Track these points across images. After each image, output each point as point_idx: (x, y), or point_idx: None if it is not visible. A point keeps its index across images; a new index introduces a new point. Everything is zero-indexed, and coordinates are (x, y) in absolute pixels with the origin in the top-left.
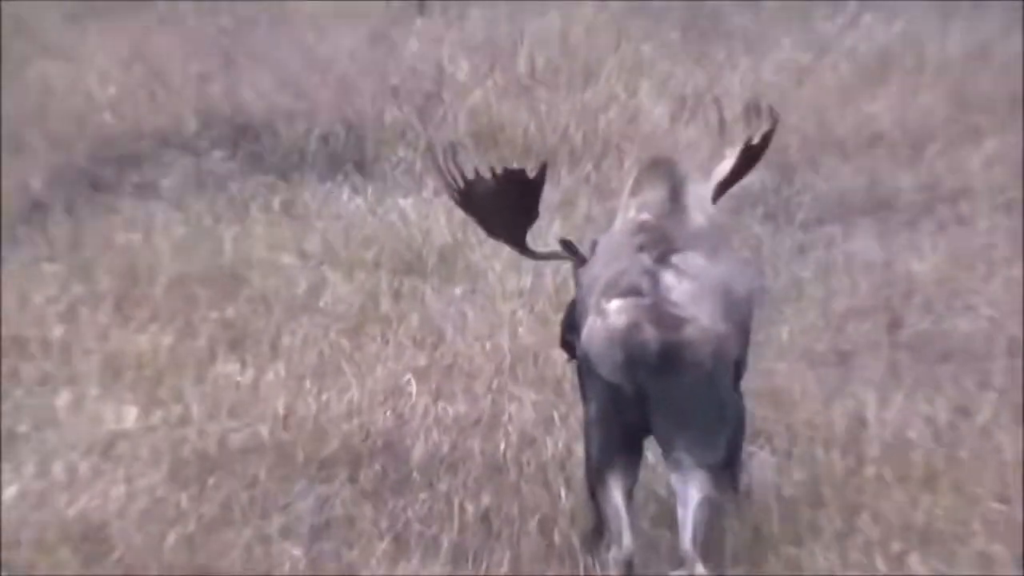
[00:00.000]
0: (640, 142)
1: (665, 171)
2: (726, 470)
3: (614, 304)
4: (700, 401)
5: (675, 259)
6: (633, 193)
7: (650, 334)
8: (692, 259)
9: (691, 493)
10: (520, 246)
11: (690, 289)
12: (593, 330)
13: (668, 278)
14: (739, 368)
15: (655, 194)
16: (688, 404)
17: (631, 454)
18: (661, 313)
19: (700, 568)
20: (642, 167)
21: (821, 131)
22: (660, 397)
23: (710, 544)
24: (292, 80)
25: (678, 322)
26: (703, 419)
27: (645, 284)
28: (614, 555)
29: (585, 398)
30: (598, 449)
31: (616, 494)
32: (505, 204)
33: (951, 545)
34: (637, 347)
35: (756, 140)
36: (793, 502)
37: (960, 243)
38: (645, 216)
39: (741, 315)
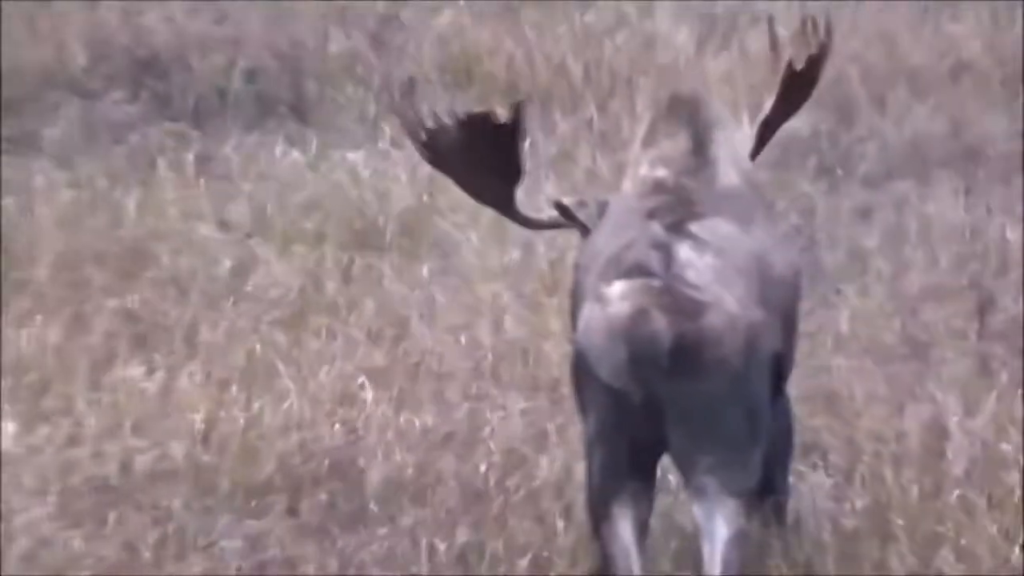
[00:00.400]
0: (657, 76)
1: (687, 113)
2: (766, 497)
3: (616, 287)
4: (727, 410)
5: (694, 227)
6: (647, 143)
7: (661, 324)
8: (717, 227)
9: (718, 527)
10: (508, 211)
11: (713, 265)
12: (590, 321)
13: (685, 252)
14: (781, 366)
15: (674, 144)
16: (712, 414)
17: (643, 479)
18: (675, 297)
19: None
20: (658, 108)
21: (890, 60)
22: (676, 405)
23: None
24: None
25: (697, 308)
26: (732, 433)
27: (656, 260)
28: None
29: (583, 409)
30: (601, 473)
31: (624, 529)
32: (480, 158)
33: None
34: (645, 341)
35: (802, 65)
36: (855, 536)
37: None
38: (661, 173)
39: (783, 299)
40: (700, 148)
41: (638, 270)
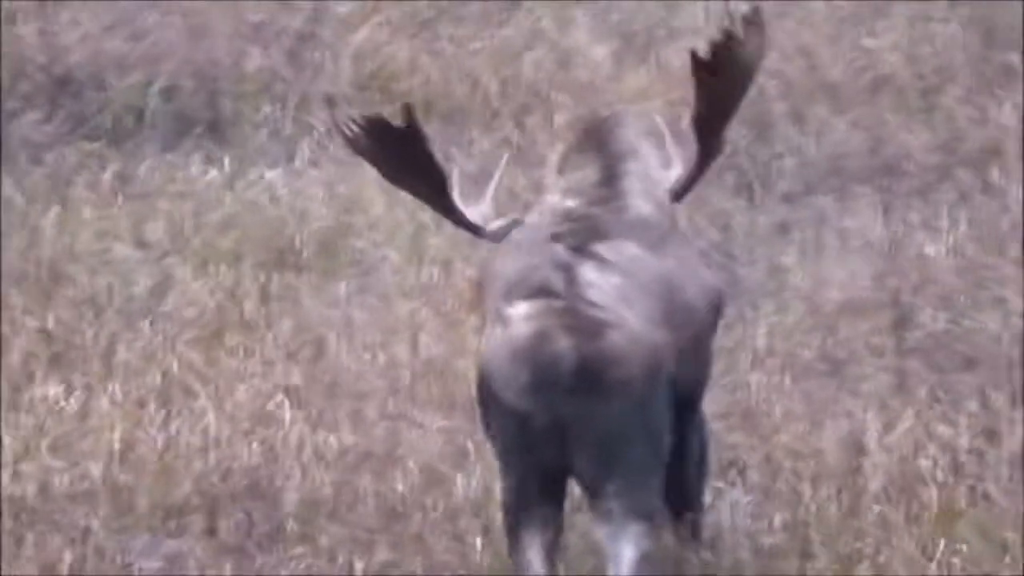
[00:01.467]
0: (576, 92)
1: (599, 143)
2: (682, 515)
3: (519, 308)
4: (630, 431)
5: (599, 248)
6: (560, 171)
7: (563, 345)
8: (622, 249)
9: (623, 552)
10: (447, 213)
11: (617, 285)
12: (493, 343)
13: (588, 272)
14: (695, 388)
15: (584, 175)
16: (615, 436)
17: (551, 502)
18: (578, 317)
19: None
20: (574, 136)
21: (809, 75)
22: (579, 427)
23: None
24: (125, 18)
25: (599, 328)
26: (635, 455)
27: (559, 281)
28: None
29: (489, 431)
30: (510, 497)
31: (535, 555)
32: (398, 163)
33: None
34: (547, 363)
35: (706, 54)
36: (773, 553)
37: (987, 218)
38: (571, 202)
39: (694, 322)
40: (610, 178)
41: (541, 291)
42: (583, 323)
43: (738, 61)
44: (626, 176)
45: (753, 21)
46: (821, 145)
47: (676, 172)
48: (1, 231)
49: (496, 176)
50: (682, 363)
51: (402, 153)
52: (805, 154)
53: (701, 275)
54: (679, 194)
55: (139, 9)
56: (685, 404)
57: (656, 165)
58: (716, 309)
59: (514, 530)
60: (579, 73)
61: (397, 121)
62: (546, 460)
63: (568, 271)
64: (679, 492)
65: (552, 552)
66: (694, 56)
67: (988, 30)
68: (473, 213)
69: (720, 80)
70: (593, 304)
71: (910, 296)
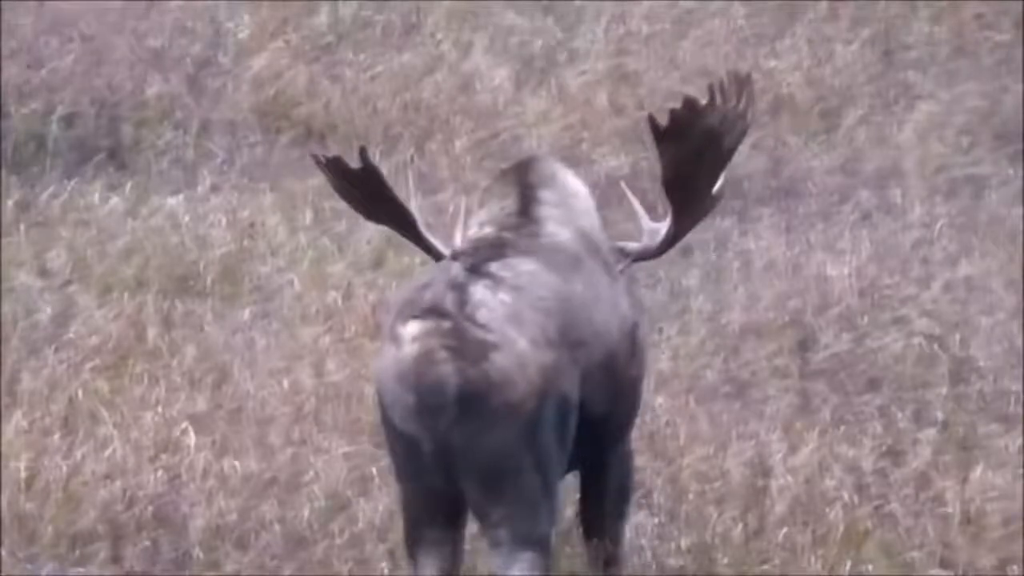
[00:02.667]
0: (476, 116)
1: (519, 176)
2: (595, 547)
3: (409, 327)
4: (519, 456)
5: (494, 267)
6: (481, 203)
7: (447, 369)
8: (519, 266)
9: None
10: (421, 245)
11: (507, 303)
12: (383, 362)
13: (480, 292)
14: (612, 418)
15: (502, 205)
16: (503, 462)
17: (448, 528)
18: (463, 339)
19: None
20: (498, 174)
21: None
22: (466, 453)
23: None
24: (23, 46)
25: (484, 350)
26: (525, 481)
27: (450, 301)
28: None
29: (388, 453)
30: (405, 521)
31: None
32: (369, 202)
33: None
34: (431, 387)
35: (665, 122)
36: (680, 570)
37: (888, 238)
38: (487, 230)
39: (599, 345)
40: (526, 208)
41: (431, 311)
42: (468, 345)
43: (701, 129)
44: (541, 205)
45: (741, 83)
46: None
47: (661, 228)
48: None
49: (463, 210)
50: (592, 389)
51: (364, 192)
52: None
53: (613, 303)
54: (662, 248)
55: (38, 36)
56: (604, 434)
57: (575, 194)
58: (630, 339)
59: (412, 551)
60: (479, 97)
61: (354, 163)
62: (436, 484)
63: (460, 291)
64: (597, 523)
65: (452, 571)
66: (651, 122)
67: (888, 51)
68: (443, 245)
69: (681, 147)
70: (481, 325)
71: (813, 317)
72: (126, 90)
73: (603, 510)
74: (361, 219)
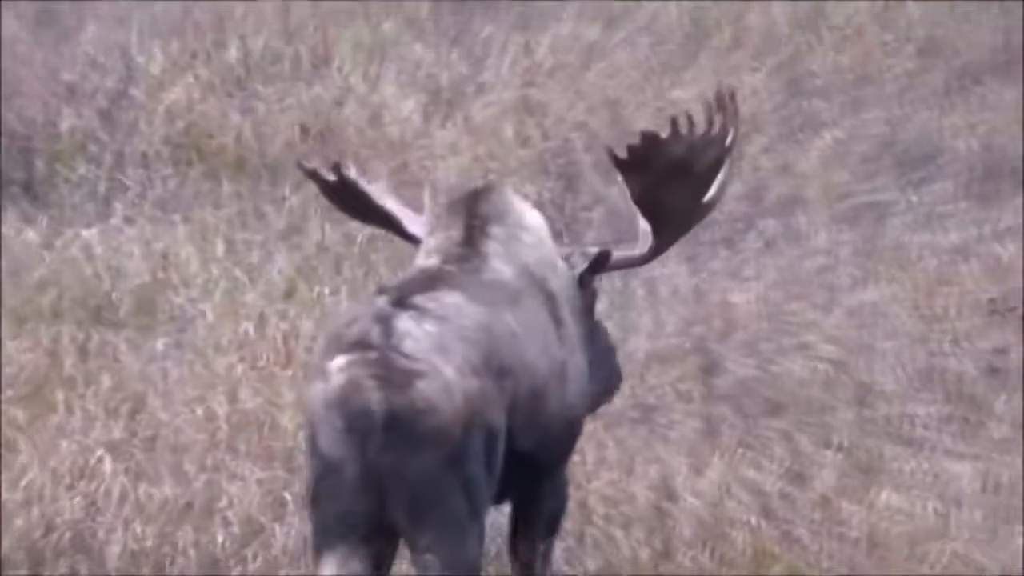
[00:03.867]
0: (386, 148)
1: (468, 207)
2: (514, 559)
3: (336, 361)
4: (444, 482)
5: (419, 299)
6: (430, 232)
7: (374, 396)
8: (445, 298)
9: None
10: (412, 241)
11: (433, 333)
12: (312, 395)
13: (404, 323)
14: (543, 449)
15: (448, 236)
16: (429, 486)
17: (359, 546)
18: (389, 368)
19: None
20: (447, 201)
21: (615, 126)
22: (393, 478)
23: None
24: None
25: (410, 378)
26: (451, 506)
27: (376, 333)
28: None
29: (311, 481)
30: (315, 534)
31: (329, 570)
32: (355, 209)
33: None
34: (358, 414)
35: (623, 154)
36: None
37: (792, 265)
38: (431, 261)
39: (527, 377)
40: (472, 240)
41: (358, 344)
42: (394, 374)
43: (665, 159)
44: (489, 239)
45: (723, 105)
46: (628, 198)
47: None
48: None
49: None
50: (520, 420)
51: (346, 200)
52: (611, 204)
53: (545, 340)
54: (648, 257)
55: None
56: (536, 465)
57: (526, 227)
58: (559, 376)
59: (318, 552)
60: (388, 129)
61: (330, 176)
62: (358, 509)
63: (385, 323)
64: (527, 547)
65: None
66: (609, 154)
67: (792, 79)
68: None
69: (646, 176)
70: (407, 355)
71: (717, 343)
72: (38, 123)
73: (533, 535)
74: (272, 250)
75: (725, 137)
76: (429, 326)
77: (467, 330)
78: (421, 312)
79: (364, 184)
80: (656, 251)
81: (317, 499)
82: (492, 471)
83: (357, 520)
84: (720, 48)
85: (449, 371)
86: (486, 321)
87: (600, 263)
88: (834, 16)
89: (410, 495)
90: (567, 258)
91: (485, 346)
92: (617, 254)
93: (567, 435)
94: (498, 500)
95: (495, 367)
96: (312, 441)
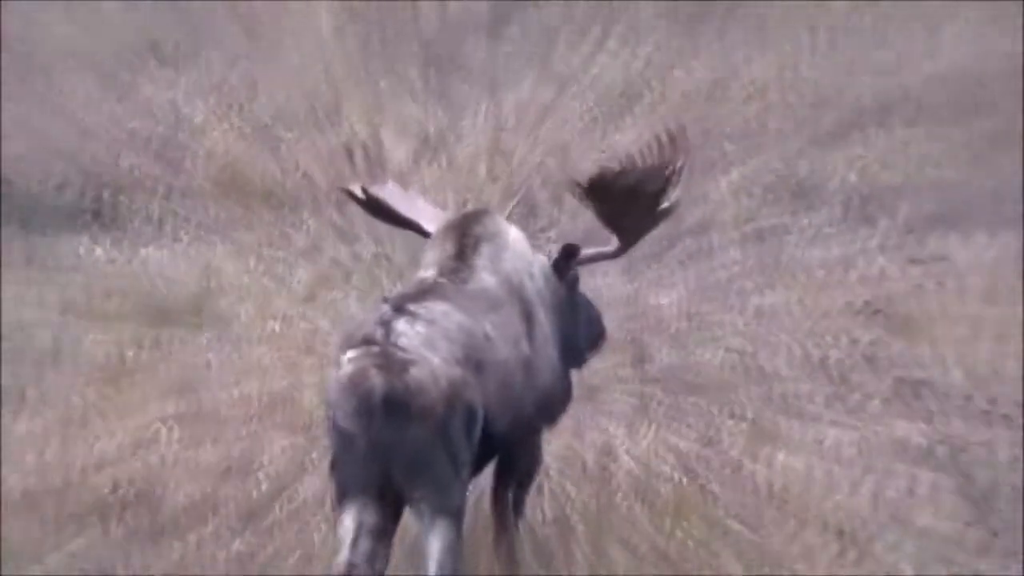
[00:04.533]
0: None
1: (463, 227)
2: (510, 506)
3: (348, 355)
4: (433, 447)
5: (413, 307)
6: (428, 248)
7: (375, 380)
8: (434, 305)
9: (433, 540)
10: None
11: (424, 332)
12: (330, 383)
13: (401, 325)
14: (516, 426)
15: (443, 251)
16: (421, 451)
17: (380, 512)
18: (388, 359)
19: None
20: (445, 224)
21: (566, 165)
22: (393, 446)
23: None
24: (24, 127)
25: (404, 365)
26: (438, 466)
27: (379, 333)
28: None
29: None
30: (337, 494)
31: (349, 522)
32: (388, 220)
33: (702, 574)
34: (364, 394)
35: (584, 184)
36: (546, 540)
37: (708, 275)
38: (428, 273)
39: (498, 370)
40: (464, 255)
41: (365, 342)
42: (392, 363)
43: (618, 189)
44: (479, 255)
45: (672, 139)
46: (575, 222)
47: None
48: None
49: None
50: (494, 407)
51: (378, 211)
52: (563, 228)
53: (517, 341)
54: (617, 253)
55: (35, 117)
56: (513, 439)
57: (512, 249)
58: (527, 371)
59: (339, 504)
60: (386, 168)
61: (359, 194)
62: (369, 473)
63: (387, 326)
64: (502, 496)
65: (375, 534)
66: (576, 185)
67: (708, 127)
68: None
69: (603, 202)
70: (403, 349)
71: (648, 337)
72: (106, 163)
73: (509, 490)
74: (294, 264)
75: (672, 163)
76: (420, 327)
77: (450, 332)
78: (415, 317)
79: (388, 198)
80: (622, 250)
81: (336, 465)
82: (471, 441)
83: (368, 481)
84: (650, 103)
85: (436, 361)
86: (467, 325)
87: (568, 254)
88: (743, 77)
89: (406, 459)
90: (548, 254)
91: (464, 345)
92: (590, 250)
93: (538, 418)
94: (479, 466)
95: (472, 362)
96: (330, 419)
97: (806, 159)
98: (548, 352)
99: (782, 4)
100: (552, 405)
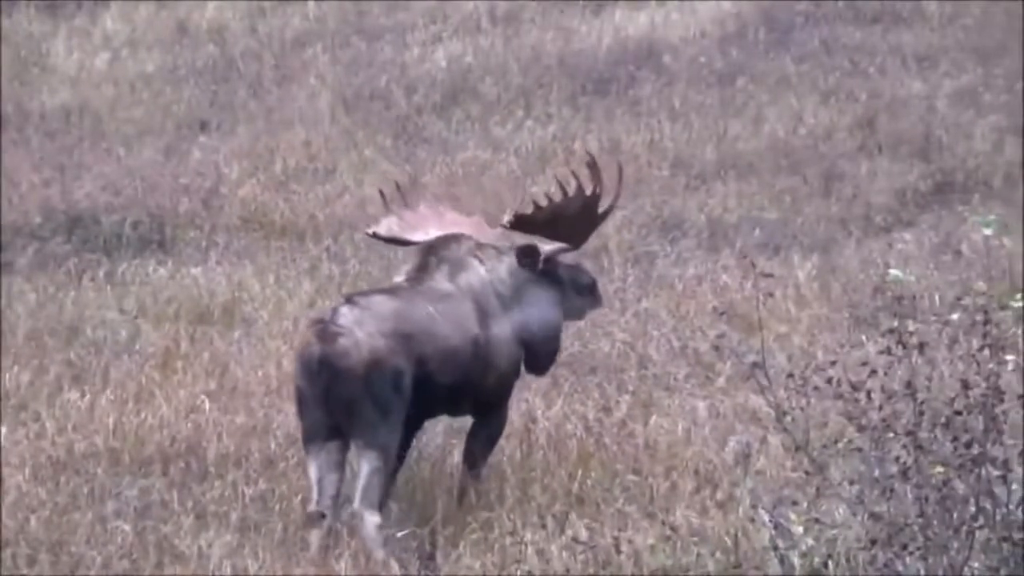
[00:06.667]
0: (366, 220)
1: (431, 248)
2: (471, 464)
3: (304, 332)
4: (362, 398)
5: (358, 298)
6: (404, 262)
7: (315, 347)
8: (374, 297)
9: (362, 467)
10: None
11: (357, 315)
12: (294, 351)
13: (343, 309)
14: (467, 391)
15: (412, 264)
16: (352, 400)
17: (329, 440)
18: (325, 331)
19: (371, 518)
20: (422, 246)
21: (500, 207)
22: (331, 397)
23: (383, 503)
24: (110, 182)
25: (335, 335)
26: (366, 414)
27: (328, 315)
28: (308, 511)
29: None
30: (303, 438)
31: (314, 467)
32: (395, 241)
33: (599, 507)
34: (307, 358)
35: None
36: (485, 477)
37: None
38: (399, 279)
39: (436, 343)
40: (426, 267)
41: (316, 322)
42: (328, 335)
43: (539, 222)
44: (439, 269)
45: (591, 168)
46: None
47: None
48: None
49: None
50: (435, 365)
51: (391, 241)
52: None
53: (460, 323)
54: (571, 249)
55: (117, 176)
56: (473, 403)
57: (473, 266)
58: (472, 346)
59: (306, 449)
60: (368, 210)
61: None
62: (319, 417)
63: (334, 311)
64: (469, 452)
65: (334, 467)
66: (513, 216)
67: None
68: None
69: (533, 232)
70: (339, 326)
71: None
72: (166, 208)
73: (475, 448)
74: (302, 280)
75: (591, 190)
76: (356, 312)
77: (381, 314)
78: (355, 304)
79: (396, 231)
80: (575, 247)
81: (299, 414)
82: (401, 393)
83: (322, 426)
84: (558, 163)
85: (360, 334)
86: (399, 309)
87: (525, 253)
88: (624, 145)
89: (340, 406)
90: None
91: (393, 322)
92: (549, 246)
93: (495, 387)
94: (428, 409)
95: (402, 333)
96: (294, 378)
97: (670, 204)
98: (503, 334)
99: (653, 91)
100: (506, 381)
